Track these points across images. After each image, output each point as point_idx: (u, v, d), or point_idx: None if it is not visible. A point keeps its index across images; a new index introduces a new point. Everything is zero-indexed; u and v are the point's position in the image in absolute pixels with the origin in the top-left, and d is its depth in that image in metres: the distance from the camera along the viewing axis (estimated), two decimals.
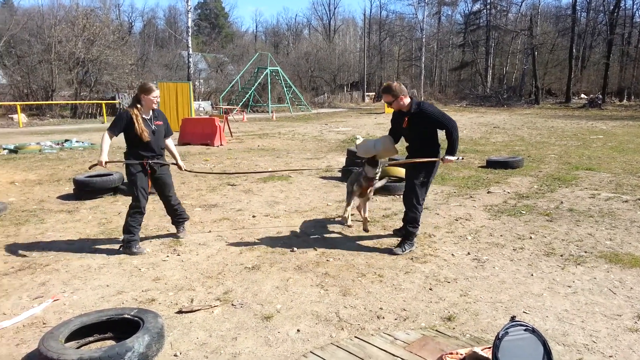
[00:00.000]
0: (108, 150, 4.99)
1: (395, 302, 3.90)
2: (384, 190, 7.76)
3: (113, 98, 28.95)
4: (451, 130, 4.82)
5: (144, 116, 4.98)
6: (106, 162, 4.98)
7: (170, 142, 5.40)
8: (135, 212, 5.07)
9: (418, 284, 4.24)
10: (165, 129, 5.22)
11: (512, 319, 2.70)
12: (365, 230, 5.74)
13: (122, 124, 4.92)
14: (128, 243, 5.05)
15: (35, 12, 33.91)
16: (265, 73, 34.74)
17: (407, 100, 4.89)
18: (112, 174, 7.80)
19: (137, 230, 5.13)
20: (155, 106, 5.05)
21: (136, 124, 4.87)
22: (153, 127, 5.03)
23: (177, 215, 5.53)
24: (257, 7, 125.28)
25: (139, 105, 4.96)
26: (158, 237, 5.63)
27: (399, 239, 5.28)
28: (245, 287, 4.20)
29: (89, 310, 3.72)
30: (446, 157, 4.93)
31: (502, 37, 50.43)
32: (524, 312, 3.69)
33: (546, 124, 22.24)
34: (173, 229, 5.68)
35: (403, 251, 5.00)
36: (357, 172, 5.76)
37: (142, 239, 5.50)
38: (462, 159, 5.03)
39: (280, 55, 54.31)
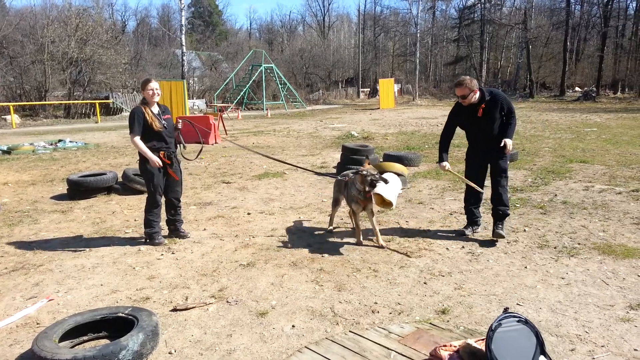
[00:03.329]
0: (144, 148, 5.06)
1: (390, 297, 3.91)
2: None
3: (107, 97, 28.81)
4: (515, 116, 5.13)
5: (152, 110, 5.15)
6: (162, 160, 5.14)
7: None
8: (152, 207, 5.26)
9: (413, 278, 4.25)
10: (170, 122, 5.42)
11: (505, 310, 2.72)
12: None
13: (140, 120, 5.02)
14: (150, 236, 5.28)
15: (28, 12, 33.69)
16: (259, 70, 34.64)
17: (478, 94, 5.03)
18: (105, 174, 7.78)
19: (157, 223, 5.31)
20: (156, 98, 5.17)
21: (146, 115, 5.04)
22: (163, 121, 5.18)
23: (178, 214, 5.52)
24: (251, 4, 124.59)
25: (145, 102, 5.17)
26: None
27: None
28: (240, 284, 4.20)
29: (83, 309, 3.72)
30: (506, 139, 5.00)
31: (496, 31, 50.43)
32: (517, 304, 3.71)
33: (540, 117, 22.28)
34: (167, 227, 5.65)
35: (504, 233, 5.23)
36: (341, 180, 5.52)
37: (136, 239, 5.52)
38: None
39: (275, 52, 54.12)
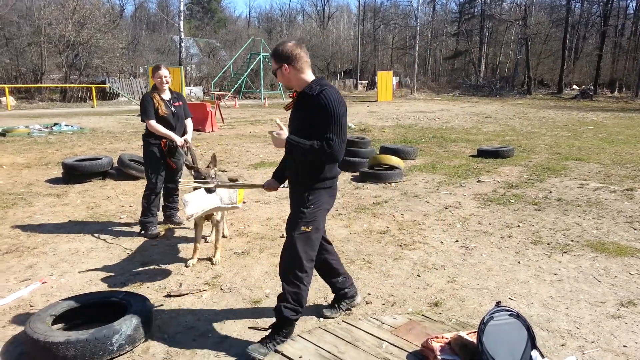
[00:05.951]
0: (163, 129, 5.04)
1: (384, 288, 3.92)
2: (374, 179, 7.78)
3: (103, 82, 28.62)
4: (330, 148, 2.76)
5: (163, 97, 5.12)
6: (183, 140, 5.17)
7: (189, 122, 5.45)
8: (150, 193, 5.18)
9: (406, 270, 4.27)
10: (184, 109, 5.36)
11: (497, 304, 2.74)
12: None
13: (149, 105, 5.00)
14: (145, 226, 5.18)
15: None
16: (258, 59, 34.46)
17: (305, 76, 2.91)
18: (101, 158, 7.75)
19: (153, 212, 5.21)
20: (165, 85, 5.13)
21: (154, 101, 5.02)
22: (172, 108, 5.14)
23: (174, 202, 5.55)
24: None
25: (156, 88, 5.15)
26: None
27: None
28: (235, 272, 4.21)
29: (76, 293, 3.71)
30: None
31: (496, 26, 50.34)
32: (509, 298, 3.74)
33: (537, 114, 22.30)
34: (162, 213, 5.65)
35: (263, 354, 2.88)
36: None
37: (130, 224, 5.51)
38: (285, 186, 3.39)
39: (274, 41, 53.73)
